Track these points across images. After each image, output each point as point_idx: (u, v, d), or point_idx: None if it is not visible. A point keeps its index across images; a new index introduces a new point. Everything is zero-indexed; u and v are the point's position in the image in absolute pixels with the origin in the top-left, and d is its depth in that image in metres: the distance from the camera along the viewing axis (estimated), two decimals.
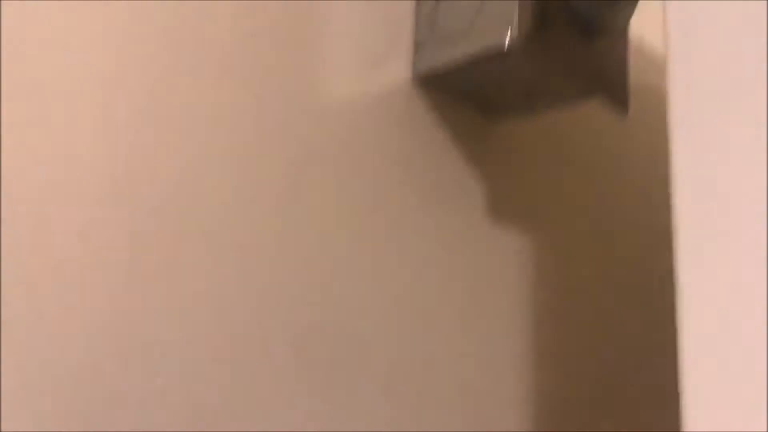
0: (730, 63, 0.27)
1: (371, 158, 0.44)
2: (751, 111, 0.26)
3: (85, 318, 0.32)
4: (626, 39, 0.46)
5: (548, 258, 0.51)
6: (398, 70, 0.46)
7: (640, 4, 0.43)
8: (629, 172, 0.56)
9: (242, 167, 0.38)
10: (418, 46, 0.46)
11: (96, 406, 0.32)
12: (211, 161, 0.37)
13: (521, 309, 0.49)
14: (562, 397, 0.51)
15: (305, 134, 0.41)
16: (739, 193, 0.26)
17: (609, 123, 0.48)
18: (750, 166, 0.26)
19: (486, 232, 0.49)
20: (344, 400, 0.40)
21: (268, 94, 0.40)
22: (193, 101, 0.37)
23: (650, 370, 0.52)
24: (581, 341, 0.53)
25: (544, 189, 0.53)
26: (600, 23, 0.43)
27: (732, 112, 0.27)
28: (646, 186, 0.55)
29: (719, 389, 0.24)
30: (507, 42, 0.41)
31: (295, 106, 0.41)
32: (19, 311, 0.30)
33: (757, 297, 0.24)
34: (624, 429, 0.51)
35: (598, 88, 0.44)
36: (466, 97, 0.48)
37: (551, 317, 0.51)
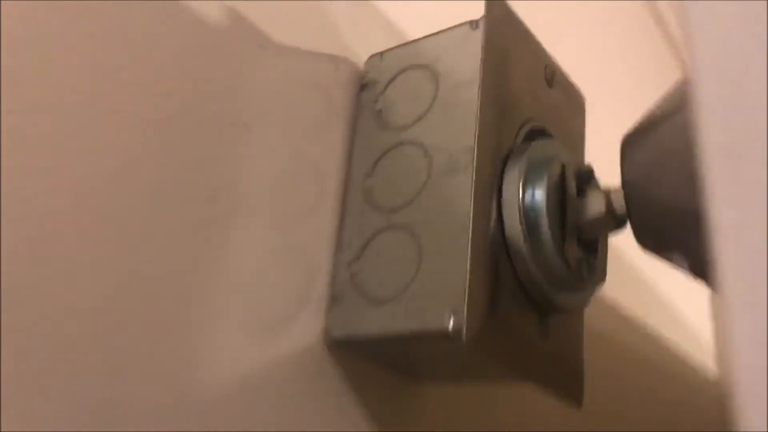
0: None
1: None
2: None
3: None
4: (582, 315, 0.39)
5: None
6: (308, 331, 0.36)
7: None
8: None
9: None
10: (334, 302, 0.37)
11: None
12: None
13: None
14: None
15: (193, 415, 0.31)
16: None
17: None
18: None
19: None
20: None
21: (146, 383, 0.29)
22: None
23: None
24: None
25: None
26: (557, 305, 0.36)
27: None
28: None
29: None
30: (450, 328, 0.33)
31: (179, 388, 0.31)
32: None
33: None
34: None
35: (550, 380, 0.36)
36: (389, 365, 0.39)
37: None
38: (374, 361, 0.39)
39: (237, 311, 0.33)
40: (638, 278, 0.64)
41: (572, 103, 0.43)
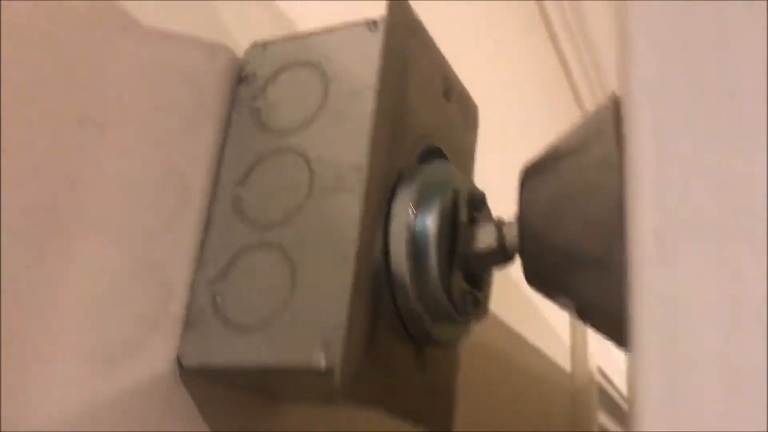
0: None
1: None
2: None
3: None
4: (458, 352, 0.37)
5: None
6: (158, 359, 0.32)
7: None
8: None
9: None
10: (190, 326, 0.33)
11: None
12: None
13: None
14: None
15: None
16: None
17: None
18: None
19: None
20: None
21: None
22: None
23: None
24: None
25: None
26: (436, 339, 0.33)
27: None
28: None
29: None
30: (322, 365, 0.29)
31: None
32: None
33: None
34: None
35: (421, 415, 0.34)
36: (249, 391, 0.35)
37: None
38: (232, 388, 0.34)
39: (75, 336, 0.28)
40: (511, 284, 0.64)
41: (467, 117, 0.41)
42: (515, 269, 0.48)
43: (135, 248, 0.31)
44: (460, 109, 0.39)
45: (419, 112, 0.35)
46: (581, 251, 0.28)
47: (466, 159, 0.40)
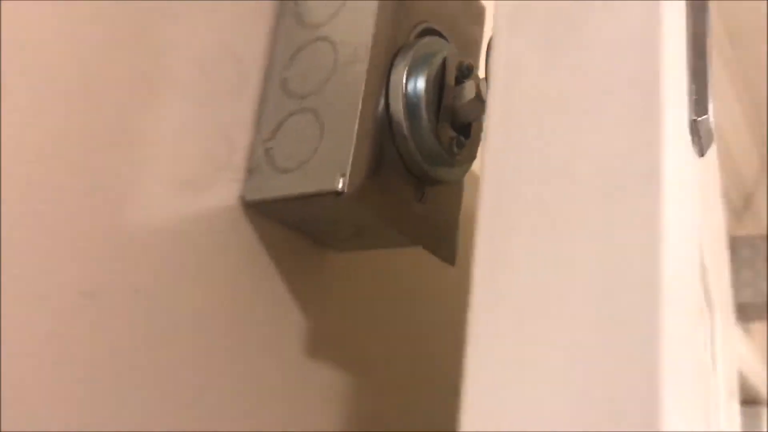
0: None
1: (188, 286, 0.41)
2: None
3: None
4: (461, 189, 0.46)
5: (366, 397, 0.49)
6: (225, 195, 0.43)
7: None
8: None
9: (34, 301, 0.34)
10: (250, 173, 0.44)
11: None
12: None
13: None
14: None
15: (107, 261, 0.37)
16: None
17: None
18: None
19: (304, 367, 0.47)
20: None
21: (62, 222, 0.36)
22: None
23: None
24: None
25: (371, 324, 0.51)
26: (433, 178, 0.42)
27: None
28: None
29: None
30: (339, 187, 0.39)
31: (96, 232, 0.37)
32: None
33: None
34: None
35: (426, 240, 0.43)
36: (298, 227, 0.46)
37: None
38: (284, 224, 0.45)
39: (161, 160, 0.40)
40: None
41: (470, 11, 0.49)
42: None
43: (206, 110, 0.42)
44: (463, 4, 0.48)
45: (420, 1, 0.44)
46: None
47: (470, 48, 0.49)
